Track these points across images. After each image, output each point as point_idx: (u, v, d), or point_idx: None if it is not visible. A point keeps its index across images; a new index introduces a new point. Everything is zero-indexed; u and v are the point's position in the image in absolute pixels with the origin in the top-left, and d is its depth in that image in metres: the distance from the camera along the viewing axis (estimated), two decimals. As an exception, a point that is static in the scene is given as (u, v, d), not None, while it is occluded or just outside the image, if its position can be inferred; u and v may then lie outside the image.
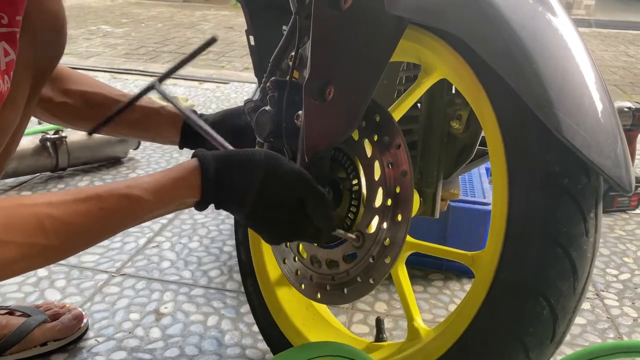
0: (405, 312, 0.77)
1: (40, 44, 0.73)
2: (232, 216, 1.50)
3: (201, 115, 0.95)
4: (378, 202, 0.70)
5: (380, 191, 0.70)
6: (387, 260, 0.69)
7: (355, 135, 0.73)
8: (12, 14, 0.65)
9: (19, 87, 0.72)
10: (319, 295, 0.78)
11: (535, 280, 0.59)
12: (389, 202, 0.69)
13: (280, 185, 0.67)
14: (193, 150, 0.69)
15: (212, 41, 0.83)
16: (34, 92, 0.76)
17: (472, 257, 0.69)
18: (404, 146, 0.68)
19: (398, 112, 0.75)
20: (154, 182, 0.63)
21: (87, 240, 0.61)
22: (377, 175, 0.71)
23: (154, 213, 0.64)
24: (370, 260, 0.71)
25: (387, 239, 0.69)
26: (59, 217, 0.57)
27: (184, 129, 0.92)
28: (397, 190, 0.69)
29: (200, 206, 0.66)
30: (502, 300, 0.62)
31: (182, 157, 1.85)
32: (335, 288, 0.76)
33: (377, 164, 0.71)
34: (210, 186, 0.65)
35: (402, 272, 0.77)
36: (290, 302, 0.93)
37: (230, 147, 0.77)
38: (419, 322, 0.76)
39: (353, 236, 0.72)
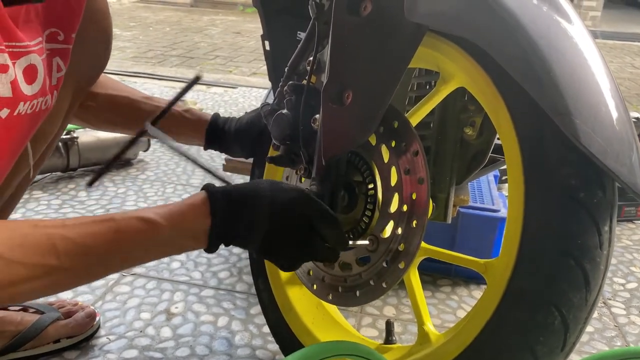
0: (416, 316, 0.78)
1: (89, 59, 0.75)
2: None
3: (227, 121, 0.96)
4: (393, 207, 0.71)
5: (396, 197, 0.71)
6: (401, 266, 0.70)
7: (373, 140, 0.74)
8: (69, 32, 0.67)
9: (62, 100, 0.73)
10: (330, 297, 0.79)
11: (548, 291, 0.60)
12: (405, 208, 0.70)
13: (287, 212, 0.67)
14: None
15: (196, 79, 0.87)
16: (74, 104, 0.78)
17: (484, 264, 0.70)
18: (422, 153, 0.69)
19: (415, 119, 0.76)
20: (166, 209, 0.63)
21: (101, 264, 0.59)
22: (393, 180, 0.72)
23: (168, 239, 0.62)
24: (384, 264, 0.71)
25: (402, 244, 0.70)
26: (72, 237, 0.55)
27: (208, 133, 0.94)
28: (414, 197, 0.70)
29: (210, 249, 0.65)
30: (514, 309, 0.62)
31: (191, 159, 1.86)
32: (348, 290, 0.77)
33: (393, 170, 0.72)
34: (222, 212, 0.64)
35: (414, 277, 0.78)
36: (301, 301, 0.94)
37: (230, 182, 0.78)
38: (429, 327, 0.77)
39: (367, 242, 0.73)
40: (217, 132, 0.95)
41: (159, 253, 0.64)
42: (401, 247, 0.70)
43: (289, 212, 0.67)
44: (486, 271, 0.69)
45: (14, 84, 0.58)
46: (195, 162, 0.84)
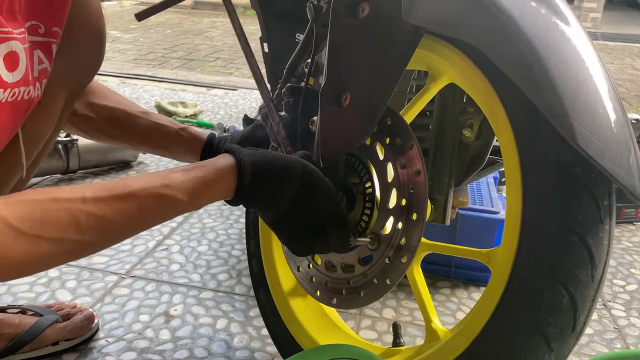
0: (423, 314, 0.78)
1: (80, 60, 0.75)
2: (241, 220, 1.51)
3: (222, 140, 0.95)
4: (392, 203, 0.71)
5: (394, 192, 0.71)
6: (404, 260, 0.70)
7: (367, 140, 0.74)
8: (49, 25, 0.67)
9: (55, 100, 0.73)
10: (335, 301, 0.78)
11: (553, 270, 0.59)
12: (403, 202, 0.70)
13: (312, 201, 0.68)
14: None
15: None
16: (68, 106, 0.78)
17: (487, 253, 0.69)
18: (417, 146, 0.69)
19: (408, 117, 0.76)
20: (189, 182, 0.62)
21: (122, 236, 0.61)
22: (390, 177, 0.72)
23: (187, 211, 0.64)
24: (387, 261, 0.71)
25: (403, 238, 0.70)
26: (94, 212, 0.56)
27: (204, 154, 0.93)
28: (411, 190, 0.70)
29: (231, 204, 0.67)
30: (521, 293, 0.62)
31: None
32: (351, 292, 0.76)
33: (389, 166, 0.72)
34: (244, 193, 0.65)
35: (417, 274, 0.78)
36: (305, 313, 0.93)
37: None
38: (436, 324, 0.76)
39: (368, 240, 0.73)
40: (212, 153, 0.94)
41: (178, 215, 0.65)
42: (403, 242, 0.70)
43: (311, 203, 0.67)
44: (490, 260, 0.69)
45: None
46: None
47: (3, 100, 0.60)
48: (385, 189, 0.72)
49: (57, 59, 0.70)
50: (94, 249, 0.59)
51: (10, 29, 0.60)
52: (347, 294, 0.77)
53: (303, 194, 0.67)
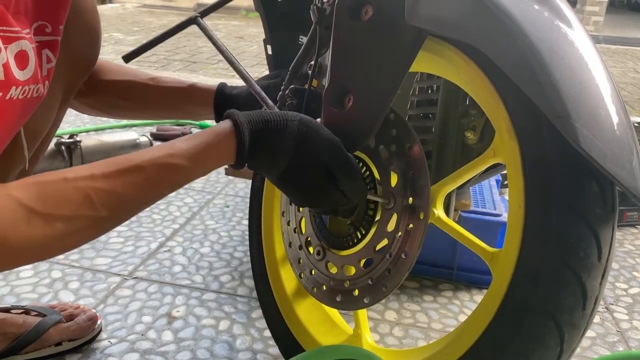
0: (474, 249, 0.73)
1: (75, 56, 0.76)
2: (243, 222, 1.52)
3: (235, 88, 0.94)
4: (394, 182, 0.72)
5: (393, 175, 0.72)
6: (421, 217, 0.70)
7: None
8: (56, 24, 0.68)
9: (53, 95, 0.74)
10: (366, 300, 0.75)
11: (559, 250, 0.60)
12: (403, 173, 0.71)
13: (313, 152, 0.68)
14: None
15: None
16: (65, 101, 0.79)
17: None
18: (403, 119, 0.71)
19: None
20: (191, 149, 0.64)
21: (134, 209, 0.62)
22: (384, 156, 0.73)
23: (193, 177, 0.65)
24: (408, 228, 0.70)
25: (411, 199, 0.70)
26: (105, 188, 0.58)
27: (217, 104, 0.92)
28: (409, 152, 0.70)
29: (235, 167, 0.68)
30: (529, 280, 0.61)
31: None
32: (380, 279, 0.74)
33: (382, 149, 0.73)
34: (245, 153, 0.66)
35: (444, 217, 0.75)
36: (317, 328, 0.93)
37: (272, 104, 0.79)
38: (490, 248, 0.71)
39: (383, 199, 0.73)
40: (226, 101, 0.93)
41: (186, 183, 0.66)
42: (410, 201, 0.70)
43: (314, 153, 0.68)
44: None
45: (6, 67, 0.58)
46: (238, 69, 0.83)
47: (15, 98, 0.61)
48: (382, 169, 0.73)
49: None
50: (109, 224, 0.60)
51: (19, 29, 0.61)
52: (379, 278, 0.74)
53: (304, 146, 0.67)
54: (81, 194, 0.56)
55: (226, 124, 0.67)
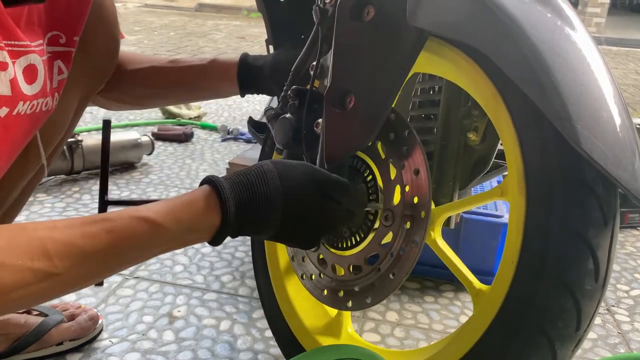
0: (462, 280, 0.74)
1: (94, 66, 0.76)
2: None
3: (258, 58, 0.91)
4: (393, 174, 0.72)
5: (392, 168, 0.72)
6: (422, 215, 0.69)
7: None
8: (70, 35, 0.67)
9: (67, 107, 0.74)
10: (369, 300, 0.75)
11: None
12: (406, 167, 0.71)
13: (298, 190, 0.65)
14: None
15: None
16: (80, 110, 0.79)
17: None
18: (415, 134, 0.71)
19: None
20: (165, 205, 0.59)
21: (95, 267, 0.54)
22: (382, 155, 0.73)
23: (169, 238, 0.58)
24: (406, 226, 0.70)
25: (415, 197, 0.70)
26: (63, 239, 0.52)
27: (240, 76, 0.89)
28: (409, 153, 0.71)
29: (219, 234, 0.61)
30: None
31: (195, 163, 1.87)
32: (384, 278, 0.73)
33: (379, 145, 0.73)
34: (231, 206, 0.61)
35: (439, 240, 0.76)
36: (322, 336, 0.92)
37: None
38: (479, 283, 0.73)
39: (380, 205, 0.73)
40: (250, 72, 0.89)
41: (159, 251, 0.59)
42: (415, 200, 0.69)
43: (300, 190, 0.65)
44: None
45: (13, 82, 0.58)
46: None
47: (22, 113, 0.61)
48: (382, 167, 0.73)
49: (71, 66, 0.70)
50: (65, 282, 0.52)
51: (28, 42, 0.60)
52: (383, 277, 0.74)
53: (288, 190, 0.64)
54: (38, 243, 0.50)
55: (204, 186, 0.62)
